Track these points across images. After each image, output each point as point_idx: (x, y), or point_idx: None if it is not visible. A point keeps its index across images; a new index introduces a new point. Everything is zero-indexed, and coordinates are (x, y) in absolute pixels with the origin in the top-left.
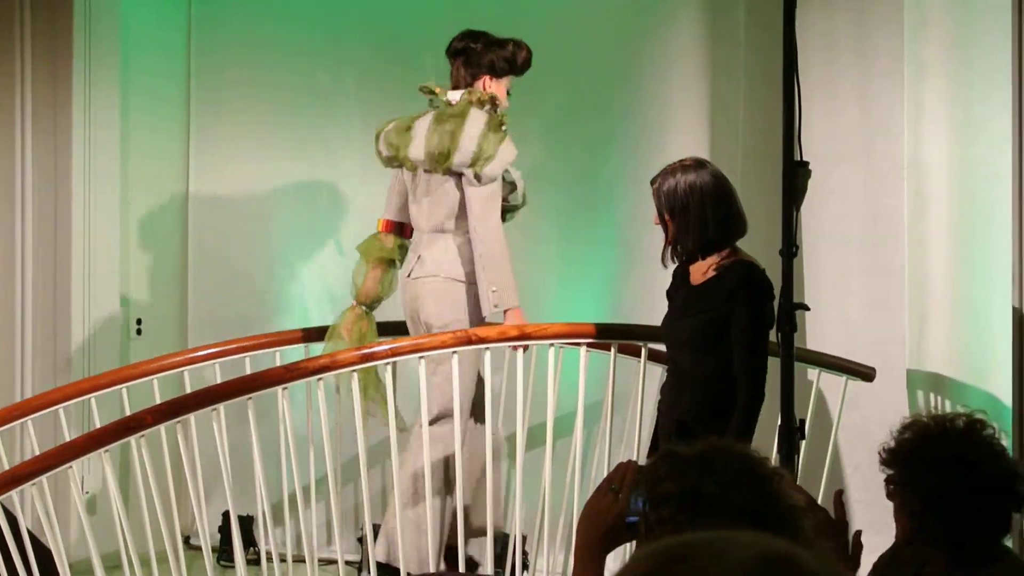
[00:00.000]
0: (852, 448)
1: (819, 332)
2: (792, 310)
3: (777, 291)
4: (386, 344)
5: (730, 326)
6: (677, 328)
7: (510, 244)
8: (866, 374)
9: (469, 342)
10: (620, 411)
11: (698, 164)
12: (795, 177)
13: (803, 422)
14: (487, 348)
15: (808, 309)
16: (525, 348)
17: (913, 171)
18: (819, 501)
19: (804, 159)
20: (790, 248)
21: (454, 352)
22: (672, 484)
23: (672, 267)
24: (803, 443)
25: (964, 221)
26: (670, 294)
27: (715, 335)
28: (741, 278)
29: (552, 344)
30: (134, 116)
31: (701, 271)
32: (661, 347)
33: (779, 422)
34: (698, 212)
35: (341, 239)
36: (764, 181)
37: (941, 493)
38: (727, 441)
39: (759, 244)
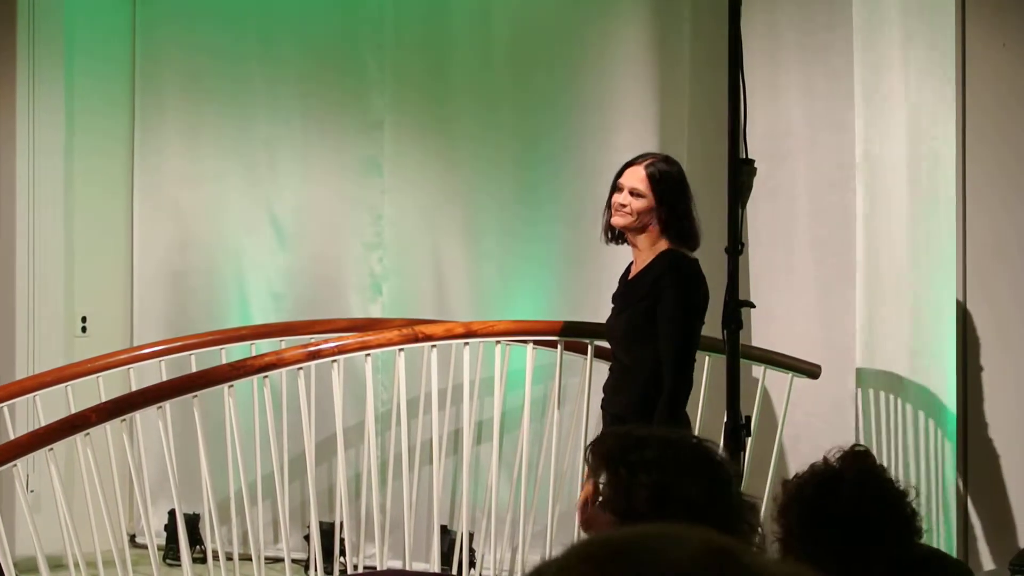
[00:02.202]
0: (797, 446)
1: (765, 330)
2: (738, 307)
3: (724, 288)
4: (332, 342)
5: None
6: (615, 324)
7: (448, 237)
8: (812, 371)
9: (416, 339)
10: (565, 408)
11: (677, 161)
12: (740, 174)
13: (749, 419)
14: (433, 345)
15: (754, 306)
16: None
17: (864, 168)
18: (765, 498)
19: (750, 157)
20: (736, 245)
21: (401, 350)
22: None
23: (611, 246)
24: (749, 440)
25: (916, 218)
26: (614, 295)
27: (647, 325)
28: (666, 265)
29: (499, 342)
30: (79, 116)
31: (639, 266)
32: (607, 344)
33: (725, 419)
34: (682, 203)
35: (283, 237)
36: (710, 178)
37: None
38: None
39: (705, 241)
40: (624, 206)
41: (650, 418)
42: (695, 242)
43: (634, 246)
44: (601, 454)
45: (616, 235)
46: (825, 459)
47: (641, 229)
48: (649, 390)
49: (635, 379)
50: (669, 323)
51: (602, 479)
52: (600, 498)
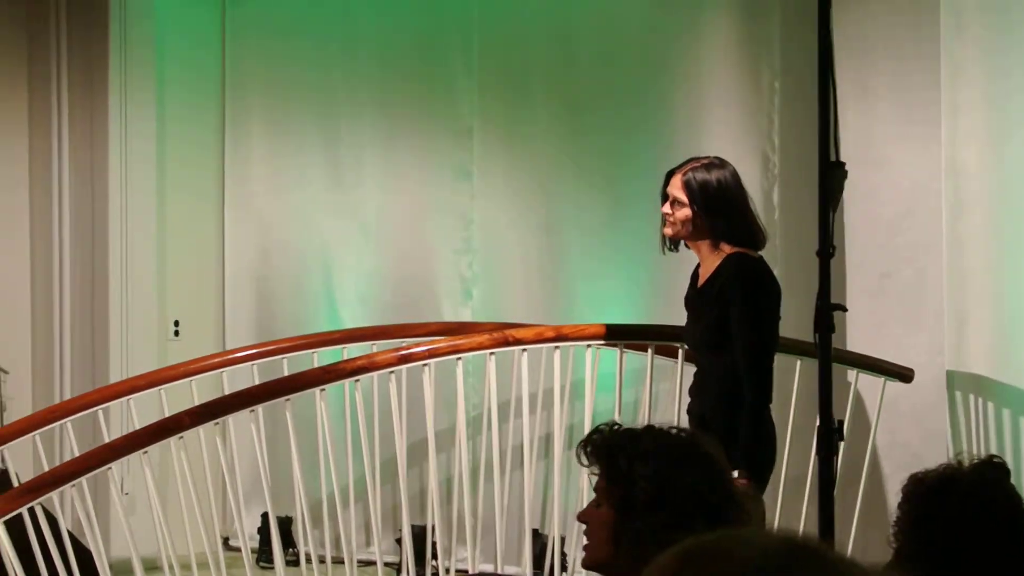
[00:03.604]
0: (890, 450)
1: (857, 333)
2: (830, 311)
3: (816, 293)
4: (423, 346)
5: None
6: (691, 331)
7: (537, 241)
8: (904, 375)
9: (506, 343)
10: (657, 412)
11: (723, 163)
12: (831, 178)
13: (841, 423)
14: (524, 349)
15: (845, 310)
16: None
17: (951, 173)
18: (858, 502)
19: (840, 160)
20: (827, 249)
21: (492, 354)
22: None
23: (671, 255)
24: (842, 444)
25: (1004, 221)
26: (686, 299)
27: (720, 333)
28: (730, 271)
29: (589, 345)
30: (170, 125)
31: (706, 273)
32: None
33: (817, 423)
34: (726, 208)
35: (371, 242)
36: (802, 182)
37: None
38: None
39: (797, 245)
40: (669, 215)
41: (732, 419)
42: (757, 242)
43: (697, 252)
44: (596, 449)
45: (673, 243)
46: (959, 461)
47: (695, 236)
48: (730, 390)
49: (715, 381)
50: (741, 329)
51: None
52: (595, 494)
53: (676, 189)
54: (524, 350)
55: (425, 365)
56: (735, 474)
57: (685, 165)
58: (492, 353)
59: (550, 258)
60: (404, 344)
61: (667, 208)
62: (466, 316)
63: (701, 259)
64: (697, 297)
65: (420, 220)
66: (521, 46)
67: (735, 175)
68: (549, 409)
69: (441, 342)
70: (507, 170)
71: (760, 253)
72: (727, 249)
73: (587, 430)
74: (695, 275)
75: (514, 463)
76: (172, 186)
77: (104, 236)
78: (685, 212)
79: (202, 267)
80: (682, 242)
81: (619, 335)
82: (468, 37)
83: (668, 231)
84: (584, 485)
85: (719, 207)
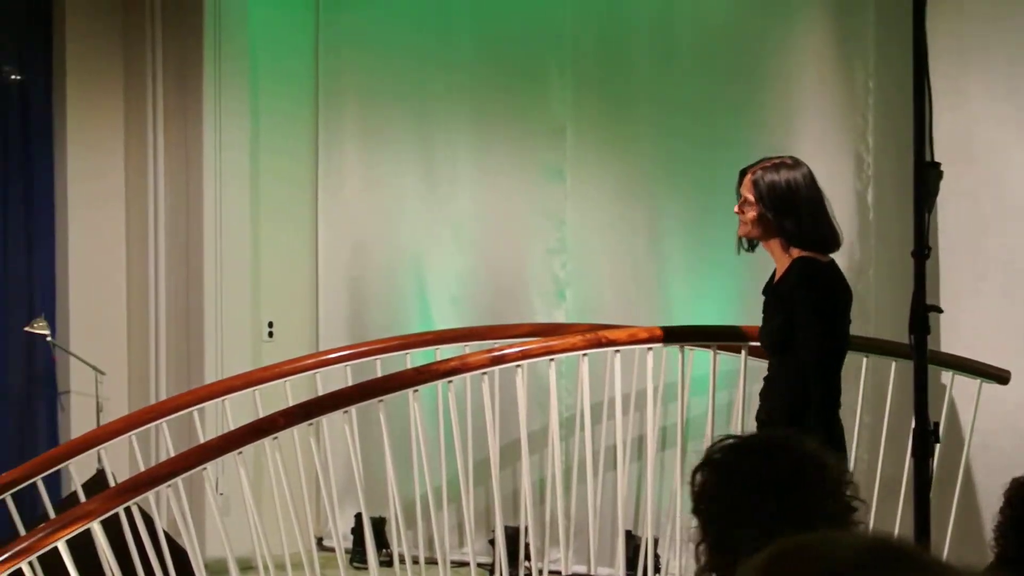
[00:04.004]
0: (985, 452)
1: (952, 335)
2: (925, 312)
3: (911, 294)
4: (516, 347)
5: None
6: (763, 332)
7: (631, 242)
8: (1001, 377)
9: (599, 344)
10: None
11: (796, 164)
12: (926, 178)
13: (937, 425)
14: (617, 350)
15: (941, 311)
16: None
17: None
18: (954, 505)
19: (935, 160)
20: (922, 249)
21: (584, 355)
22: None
23: (744, 254)
24: (937, 447)
25: None
26: (764, 301)
27: (787, 336)
28: (796, 274)
29: (683, 347)
30: (263, 129)
31: (779, 274)
32: None
33: (913, 425)
34: (795, 209)
35: (463, 242)
36: (897, 181)
37: None
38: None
39: (891, 246)
40: (740, 214)
41: (797, 423)
42: (827, 245)
43: (771, 252)
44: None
45: (749, 243)
46: None
47: (766, 236)
48: (796, 394)
49: (779, 386)
50: (806, 334)
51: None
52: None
53: (746, 189)
54: (617, 351)
55: (518, 366)
56: None
57: (757, 165)
58: (585, 354)
59: (644, 259)
60: (497, 345)
61: (738, 207)
62: (559, 317)
63: (775, 259)
64: (770, 297)
65: (513, 220)
66: (615, 46)
67: (808, 176)
68: (642, 410)
69: (534, 343)
70: (600, 170)
71: (831, 256)
72: (795, 252)
73: (680, 432)
74: (772, 275)
75: (607, 464)
76: (265, 191)
77: (199, 240)
78: (753, 212)
79: (296, 269)
80: (759, 243)
81: (712, 336)
82: (561, 37)
83: (740, 231)
84: (677, 487)
85: (787, 208)
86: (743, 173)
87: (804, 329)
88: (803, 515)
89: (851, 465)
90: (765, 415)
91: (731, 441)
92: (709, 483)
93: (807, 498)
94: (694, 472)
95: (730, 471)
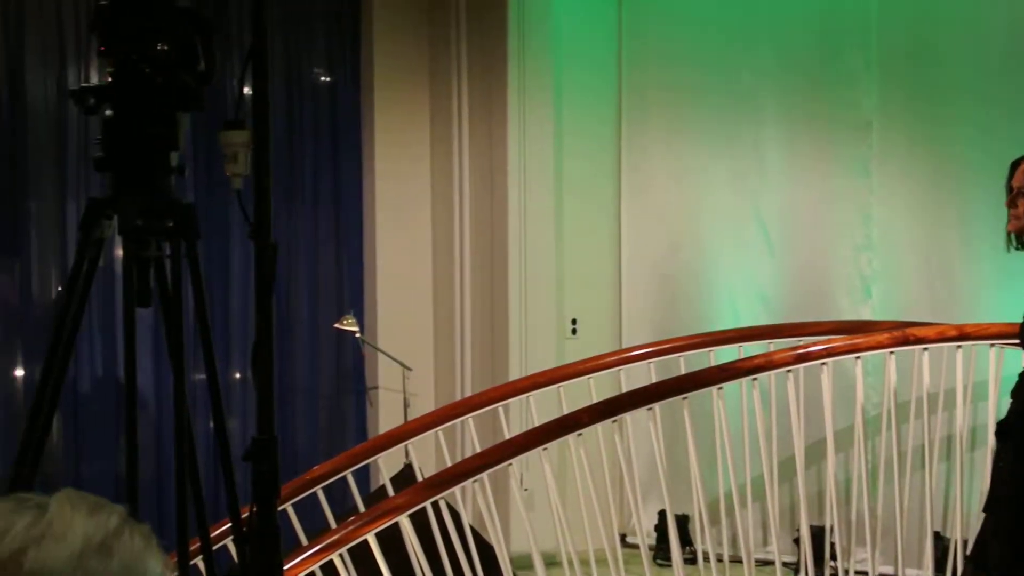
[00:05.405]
0: None
1: None
2: None
3: None
4: (821, 344)
5: None
6: None
7: (939, 238)
8: None
9: (906, 342)
10: None
11: None
12: None
13: None
14: (925, 348)
15: None
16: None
17: None
18: None
19: None
20: None
21: (891, 353)
22: None
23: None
24: None
25: None
26: None
27: None
28: None
29: (992, 344)
30: (566, 123)
31: None
32: None
33: None
34: None
35: (771, 239)
36: None
37: None
38: None
39: None
40: (1011, 208)
41: None
42: None
43: None
44: None
45: (1019, 240)
46: None
47: None
48: None
49: None
50: None
51: None
52: None
53: (1018, 181)
54: (925, 349)
55: (823, 364)
56: None
57: None
58: (892, 352)
59: (953, 256)
60: (801, 343)
61: (1009, 201)
62: (865, 314)
63: None
64: None
65: (819, 216)
66: (922, 39)
67: None
68: (951, 410)
69: (839, 341)
70: (907, 166)
71: None
72: None
73: (991, 433)
74: None
75: (915, 464)
76: (569, 186)
77: (503, 237)
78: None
79: (599, 267)
80: None
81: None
82: (867, 31)
83: (1010, 226)
84: (986, 488)
85: None
86: (1015, 165)
87: None
88: None
89: None
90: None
91: None
92: None
93: None
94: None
95: None
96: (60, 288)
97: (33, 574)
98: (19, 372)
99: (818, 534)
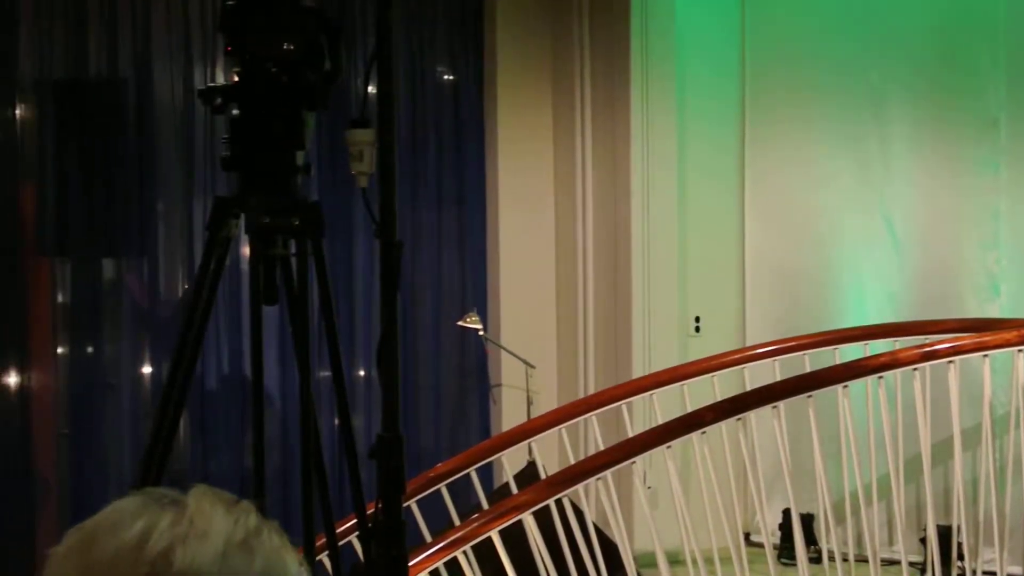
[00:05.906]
0: None
1: None
2: None
3: None
4: (947, 342)
5: None
6: None
7: None
8: None
9: None
10: None
11: None
12: None
13: None
14: None
15: None
16: None
17: None
18: None
19: None
20: None
21: (1020, 351)
22: None
23: None
24: None
25: None
26: None
27: None
28: None
29: None
30: (690, 122)
31: None
32: None
33: None
34: None
35: (897, 237)
36: None
37: None
38: None
39: None
40: None
41: None
42: None
43: None
44: None
45: None
46: None
47: None
48: None
49: None
50: None
51: None
52: None
53: None
54: None
55: (950, 362)
56: None
57: None
58: (1020, 350)
59: None
60: (927, 341)
61: None
62: (993, 312)
63: None
64: None
65: (946, 213)
66: None
67: None
68: None
69: (966, 339)
70: None
71: None
72: None
73: None
74: None
75: None
76: (692, 184)
77: (626, 235)
78: None
79: (722, 265)
80: None
81: None
82: (994, 27)
83: None
84: None
85: None
86: None
87: None
88: None
89: None
90: None
91: None
92: None
93: None
94: None
95: None
96: (187, 287)
97: (182, 574)
98: (147, 370)
99: (945, 534)
